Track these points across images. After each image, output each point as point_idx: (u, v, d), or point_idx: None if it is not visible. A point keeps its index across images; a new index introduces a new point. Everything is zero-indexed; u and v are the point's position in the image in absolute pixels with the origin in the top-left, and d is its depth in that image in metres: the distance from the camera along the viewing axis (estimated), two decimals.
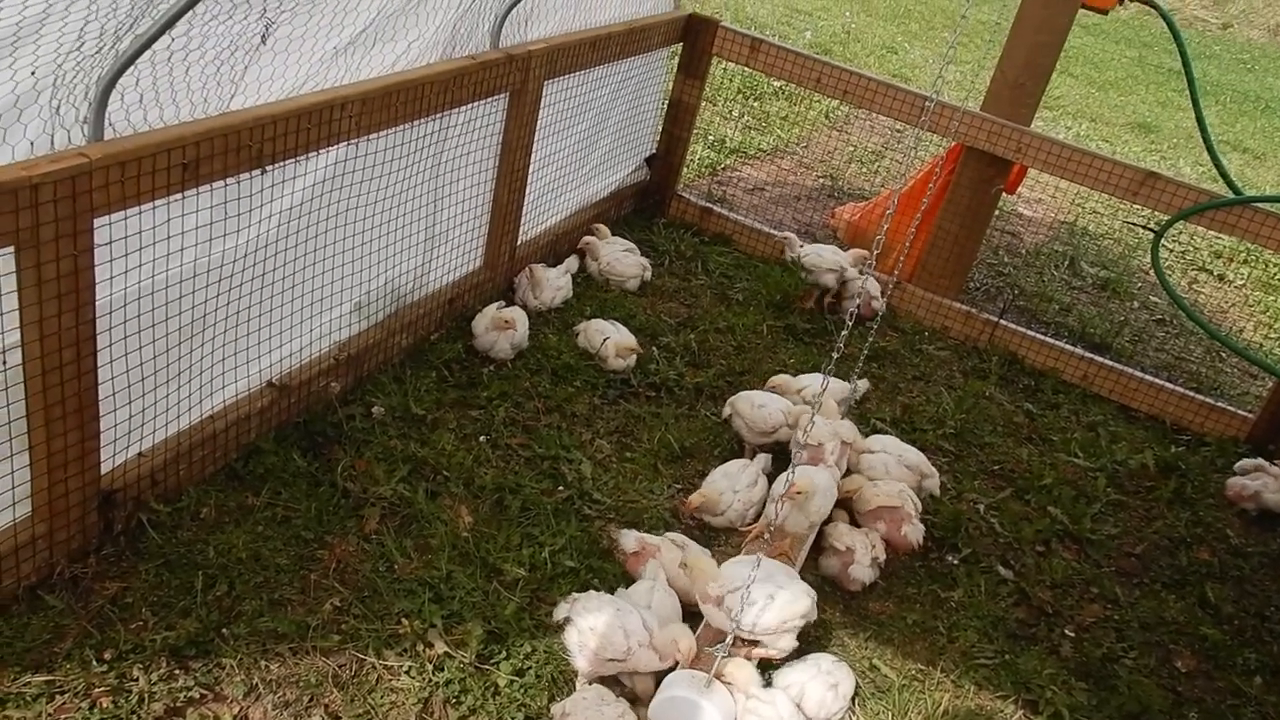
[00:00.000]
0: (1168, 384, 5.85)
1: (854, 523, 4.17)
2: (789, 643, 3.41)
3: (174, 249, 3.17)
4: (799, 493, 3.81)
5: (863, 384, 4.92)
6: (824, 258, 5.96)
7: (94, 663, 2.93)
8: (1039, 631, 4.05)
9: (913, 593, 4.08)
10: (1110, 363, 5.96)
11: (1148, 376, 5.89)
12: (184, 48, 2.96)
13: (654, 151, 6.76)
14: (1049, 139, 5.68)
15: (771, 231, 6.55)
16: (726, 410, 4.63)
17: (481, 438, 4.29)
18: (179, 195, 3.07)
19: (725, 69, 8.49)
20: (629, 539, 3.73)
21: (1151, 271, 7.52)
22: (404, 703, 3.11)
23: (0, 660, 2.87)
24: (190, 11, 2.74)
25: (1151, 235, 5.83)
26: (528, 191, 5.21)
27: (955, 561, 4.30)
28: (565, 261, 5.60)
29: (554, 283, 5.32)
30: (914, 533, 4.08)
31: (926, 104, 5.70)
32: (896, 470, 4.33)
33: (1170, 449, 5.47)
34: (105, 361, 3.04)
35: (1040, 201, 9.17)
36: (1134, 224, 7.65)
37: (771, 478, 4.28)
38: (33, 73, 2.58)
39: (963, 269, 6.28)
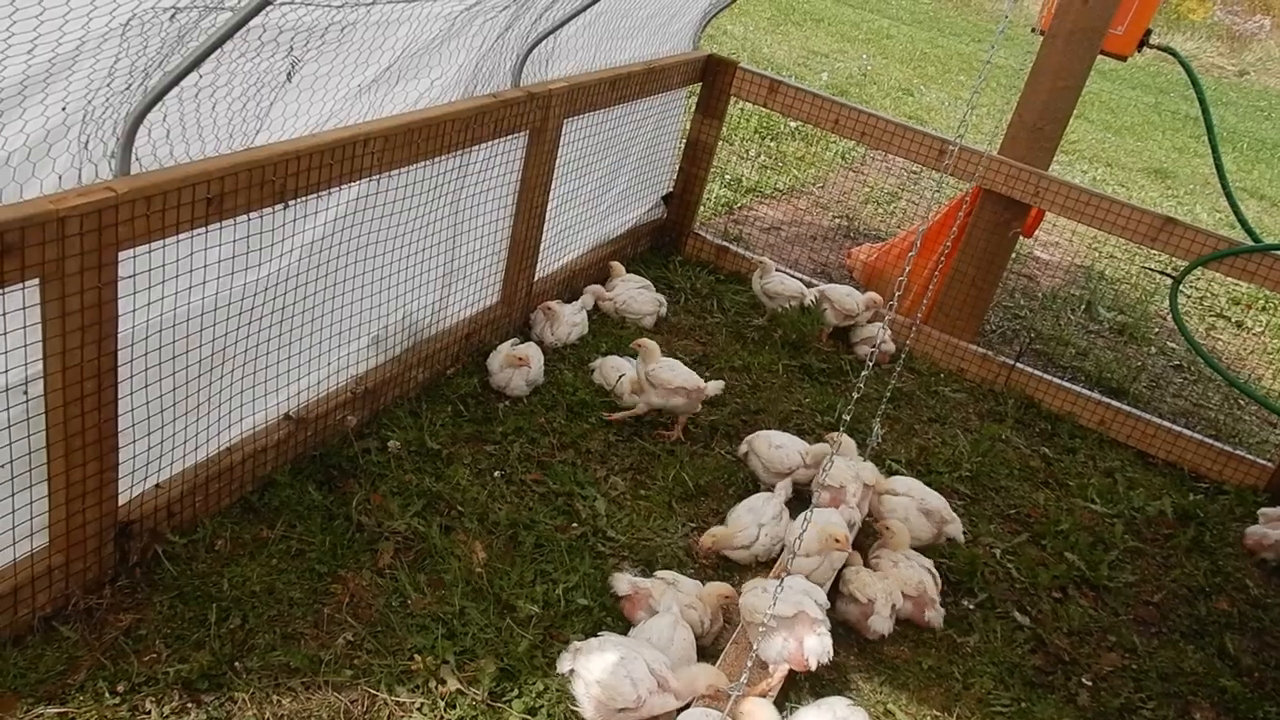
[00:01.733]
0: (1186, 430, 5.82)
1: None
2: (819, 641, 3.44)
3: (195, 282, 3.20)
4: (838, 541, 3.83)
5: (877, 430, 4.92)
6: (786, 285, 6.12)
7: (107, 695, 2.92)
8: (1056, 679, 4.00)
9: (928, 637, 4.04)
10: (1128, 408, 5.93)
11: (1165, 422, 5.86)
12: (211, 84, 3.00)
13: (671, 190, 6.80)
14: (1067, 183, 5.69)
15: (788, 271, 6.56)
16: (743, 448, 4.62)
17: (496, 473, 4.28)
18: (202, 229, 3.09)
19: (742, 109, 8.55)
20: (621, 583, 3.69)
21: (1169, 317, 7.50)
22: None
23: (14, 691, 2.86)
24: (219, 49, 2.78)
25: (1170, 281, 5.82)
26: (545, 228, 5.24)
27: (971, 606, 4.26)
28: (581, 298, 5.62)
29: (570, 319, 5.33)
30: (936, 618, 4.05)
31: (950, 148, 5.72)
32: (916, 517, 4.29)
33: (1188, 496, 5.43)
34: (125, 393, 3.05)
35: (1057, 245, 9.17)
36: (1152, 269, 7.65)
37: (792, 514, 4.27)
38: (63, 108, 2.61)
39: (979, 311, 6.27)
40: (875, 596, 3.89)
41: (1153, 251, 5.90)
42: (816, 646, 3.41)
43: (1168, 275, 5.89)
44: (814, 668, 3.42)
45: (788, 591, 3.45)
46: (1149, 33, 5.70)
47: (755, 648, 3.23)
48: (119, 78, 2.69)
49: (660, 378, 4.67)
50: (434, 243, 4.42)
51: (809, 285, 6.26)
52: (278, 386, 3.81)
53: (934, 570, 4.12)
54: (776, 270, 6.29)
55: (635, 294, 5.79)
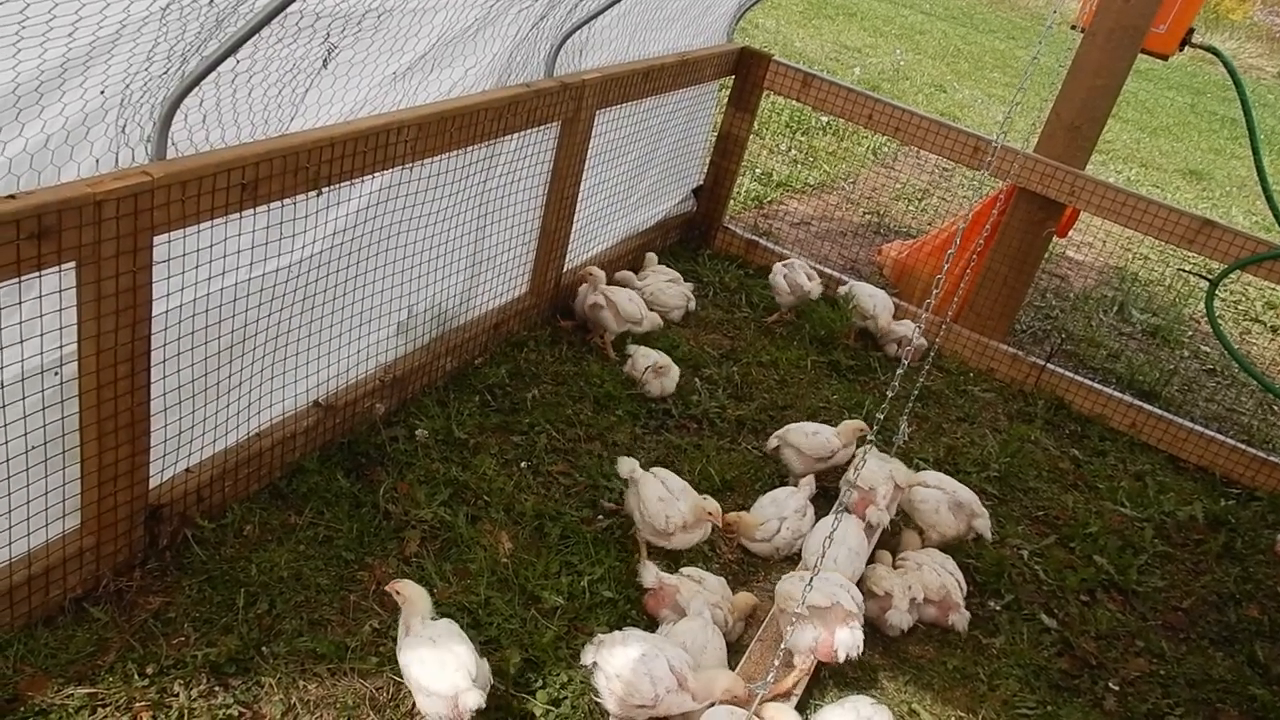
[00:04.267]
0: (1218, 435, 5.74)
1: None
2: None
3: (227, 267, 3.20)
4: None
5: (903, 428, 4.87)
6: (776, 282, 6.05)
7: (136, 677, 2.94)
8: (1082, 683, 3.97)
9: (954, 638, 4.01)
10: (1159, 411, 5.86)
11: (1197, 427, 5.79)
12: (248, 70, 3.00)
13: (701, 183, 6.77)
14: (1104, 183, 5.62)
15: (819, 267, 6.52)
16: (773, 442, 4.60)
17: (523, 464, 4.28)
18: (236, 215, 3.10)
19: (773, 103, 8.51)
20: (648, 574, 3.66)
21: (1204, 320, 7.41)
22: None
23: (44, 671, 2.89)
24: (256, 35, 2.78)
25: (1206, 284, 5.75)
26: (575, 219, 5.23)
27: (997, 608, 4.23)
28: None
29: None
30: (961, 622, 4.01)
31: (992, 145, 5.67)
32: (945, 514, 4.25)
33: (1220, 502, 5.36)
34: (157, 377, 3.07)
35: (1089, 245, 9.08)
36: (1187, 272, 7.56)
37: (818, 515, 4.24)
38: (102, 92, 2.62)
39: (1010, 311, 6.22)
40: (892, 590, 3.86)
41: (1189, 253, 5.82)
42: (848, 639, 3.40)
43: (1204, 278, 5.81)
44: (842, 660, 3.40)
45: (823, 583, 3.44)
46: (1191, 31, 5.62)
47: (787, 636, 3.21)
48: (157, 62, 2.70)
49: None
50: (464, 232, 4.42)
51: (842, 283, 6.21)
52: (307, 373, 3.82)
53: (958, 574, 4.09)
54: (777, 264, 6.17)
55: (664, 286, 5.77)
